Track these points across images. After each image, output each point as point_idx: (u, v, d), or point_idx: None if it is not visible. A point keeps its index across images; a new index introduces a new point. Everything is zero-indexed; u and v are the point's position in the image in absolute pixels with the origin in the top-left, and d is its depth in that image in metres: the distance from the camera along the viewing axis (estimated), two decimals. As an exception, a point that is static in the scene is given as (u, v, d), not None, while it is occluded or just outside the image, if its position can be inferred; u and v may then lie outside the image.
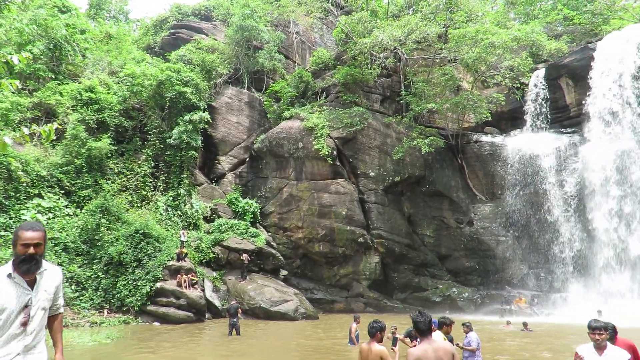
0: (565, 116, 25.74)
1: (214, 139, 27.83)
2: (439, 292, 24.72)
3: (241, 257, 22.12)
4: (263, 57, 30.77)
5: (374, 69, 28.58)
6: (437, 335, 6.45)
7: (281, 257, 24.32)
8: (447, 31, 28.46)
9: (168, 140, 24.78)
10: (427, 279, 25.69)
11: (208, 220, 24.97)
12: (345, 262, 25.65)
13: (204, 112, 26.07)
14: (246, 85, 31.02)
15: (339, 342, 13.45)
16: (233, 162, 28.19)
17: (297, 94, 30.11)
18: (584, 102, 23.76)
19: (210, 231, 23.76)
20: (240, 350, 12.28)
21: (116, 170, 23.50)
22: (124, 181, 23.51)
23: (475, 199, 26.49)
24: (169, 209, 23.66)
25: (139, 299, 18.38)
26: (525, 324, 15.90)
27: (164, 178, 24.66)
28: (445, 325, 7.76)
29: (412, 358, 4.21)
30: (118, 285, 18.72)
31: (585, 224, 22.14)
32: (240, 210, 25.29)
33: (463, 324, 8.77)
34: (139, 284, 18.76)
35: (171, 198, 23.94)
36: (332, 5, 37.96)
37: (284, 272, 24.72)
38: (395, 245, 25.30)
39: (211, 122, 26.87)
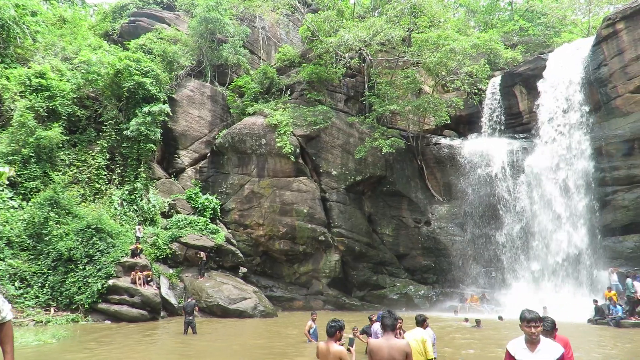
0: (518, 122, 27.00)
1: (174, 133, 27.07)
2: (397, 290, 25.30)
3: (199, 255, 21.71)
4: (227, 51, 30.24)
5: (339, 69, 28.82)
6: (416, 331, 6.66)
7: (241, 255, 24.05)
8: (410, 35, 29.10)
9: (125, 132, 23.86)
10: (385, 277, 26.23)
11: (166, 215, 24.29)
12: (306, 260, 25.73)
13: (164, 104, 25.30)
14: (209, 79, 30.38)
15: (296, 340, 13.49)
16: (193, 157, 27.55)
17: (261, 90, 29.82)
18: (535, 109, 25.03)
19: (167, 227, 23.13)
20: (194, 349, 12.04)
21: (68, 162, 22.36)
22: (76, 173, 22.41)
23: (433, 200, 27.31)
24: (124, 204, 22.81)
25: (89, 296, 17.60)
26: (477, 321, 16.58)
27: (119, 171, 23.73)
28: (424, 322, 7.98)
29: (369, 346, 4.82)
30: (67, 282, 17.83)
31: (533, 224, 23.34)
32: (199, 206, 24.78)
33: (369, 318, 9.47)
34: (89, 281, 17.97)
35: (127, 192, 23.08)
36: (299, 2, 37.88)
37: (243, 270, 24.45)
38: (356, 244, 25.65)
39: (171, 115, 26.12)
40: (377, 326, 9.33)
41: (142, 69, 25.00)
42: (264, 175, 25.97)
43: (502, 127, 27.16)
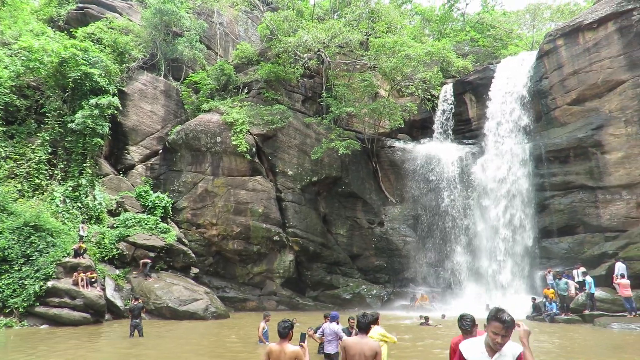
0: (468, 128, 28.28)
1: (123, 127, 25.91)
2: (350, 290, 25.67)
3: (142, 260, 20.85)
4: (183, 45, 29.36)
5: (297, 69, 28.82)
6: (374, 329, 6.87)
7: (193, 255, 23.44)
8: (368, 39, 29.66)
9: (70, 125, 22.55)
10: (339, 277, 26.54)
11: (113, 214, 23.19)
12: (260, 260, 25.51)
13: (113, 97, 24.16)
14: (163, 73, 29.36)
15: (248, 342, 13.34)
16: (144, 153, 26.51)
17: (217, 87, 29.23)
18: (483, 116, 26.31)
19: (114, 226, 22.10)
20: (139, 353, 11.59)
21: (4, 155, 20.82)
22: (13, 167, 20.90)
23: (387, 201, 27.98)
24: (67, 201, 21.54)
25: (25, 299, 16.46)
26: (426, 318, 17.16)
27: (62, 166, 22.39)
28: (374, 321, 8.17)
29: (344, 343, 5.24)
30: (0, 284, 16.58)
31: (479, 226, 24.51)
32: (150, 204, 23.88)
33: (325, 316, 10.04)
34: (26, 282, 16.81)
35: (70, 188, 21.83)
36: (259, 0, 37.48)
37: (195, 270, 23.83)
38: (310, 244, 25.76)
39: (121, 108, 24.98)
40: (326, 325, 9.38)
41: (90, 59, 23.74)
42: (219, 174, 25.47)
43: (453, 133, 28.33)
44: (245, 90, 29.59)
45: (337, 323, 9.35)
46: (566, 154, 22.25)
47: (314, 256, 26.09)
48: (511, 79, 25.56)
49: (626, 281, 16.40)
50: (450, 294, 24.52)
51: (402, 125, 28.17)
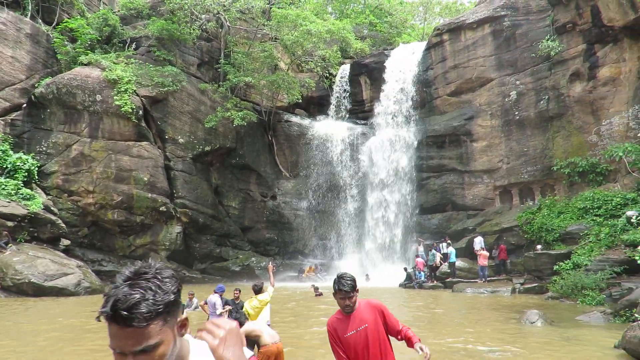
0: (361, 109, 29.63)
1: (-26, 73, 21.70)
2: (239, 262, 25.63)
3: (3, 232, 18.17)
4: (56, -16, 25.33)
5: (194, 30, 26.95)
6: (255, 299, 7.16)
7: (63, 225, 21.03)
8: (271, 8, 28.91)
9: None
10: (229, 250, 26.29)
11: (-42, 175, 19.57)
12: (143, 232, 23.97)
13: (-40, 34, 19.99)
14: (30, 14, 25.04)
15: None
16: (3, 106, 22.59)
17: (99, 38, 26.00)
18: (376, 99, 27.78)
19: (-40, 189, 18.70)
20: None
21: None
22: None
23: (281, 175, 28.24)
24: None
25: None
26: (316, 288, 17.95)
27: None
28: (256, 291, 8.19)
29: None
30: None
31: (366, 202, 26.22)
32: (9, 166, 20.62)
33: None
34: None
35: None
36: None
37: (66, 242, 21.45)
38: (200, 216, 24.95)
39: (-29, 50, 20.82)
40: (213, 297, 9.31)
41: None
42: (98, 137, 22.98)
43: (348, 112, 29.47)
44: (133, 46, 26.78)
45: (221, 295, 9.31)
46: (443, 140, 24.72)
47: (203, 228, 25.36)
48: (403, 66, 27.26)
49: (486, 253, 19.20)
50: (334, 266, 26.00)
51: (300, 101, 28.39)
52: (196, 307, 12.94)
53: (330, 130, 27.60)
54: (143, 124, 23.73)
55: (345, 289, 3.37)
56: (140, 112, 23.35)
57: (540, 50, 21.13)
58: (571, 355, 7.82)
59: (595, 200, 17.75)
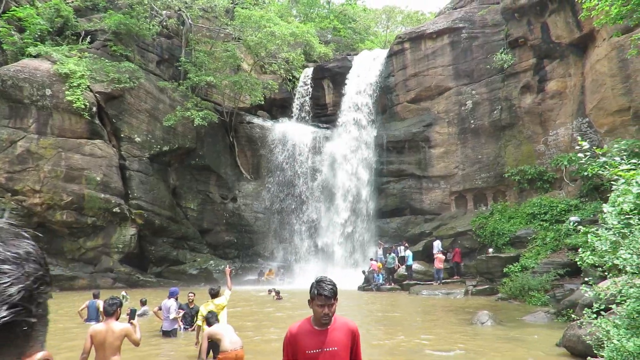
0: (324, 113, 29.83)
1: None
2: (197, 265, 25.02)
3: None
4: (3, -30, 23.81)
5: (154, 26, 26.17)
6: (212, 303, 7.12)
7: (6, 226, 19.70)
8: (234, 8, 28.57)
9: None
10: (186, 252, 25.62)
11: None
12: (95, 234, 22.91)
13: None
14: (-28, -1, 23.42)
15: (68, 324, 11.96)
16: (-61, 98, 20.97)
17: (50, 30, 24.67)
18: (338, 103, 28.06)
19: None
20: None
21: None
22: None
23: (242, 177, 27.88)
24: None
25: None
26: (277, 292, 17.79)
27: None
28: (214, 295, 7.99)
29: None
30: None
31: (325, 205, 26.36)
32: (-56, 162, 19.13)
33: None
34: None
35: None
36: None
37: (8, 244, 20.11)
38: (156, 218, 24.16)
39: None
40: (168, 302, 9.04)
41: None
42: (47, 133, 21.76)
43: (310, 116, 29.57)
44: (88, 39, 25.62)
45: (176, 299, 9.06)
46: (402, 145, 25.31)
47: (159, 230, 24.58)
48: (365, 72, 27.72)
49: (442, 256, 19.80)
50: (294, 269, 25.94)
51: (263, 103, 28.21)
52: (144, 314, 12.27)
53: (292, 132, 27.58)
54: (97, 121, 22.74)
55: (325, 293, 2.81)
56: (94, 109, 22.37)
57: (494, 62, 22.15)
58: (517, 354, 8.22)
59: (542, 207, 18.79)
